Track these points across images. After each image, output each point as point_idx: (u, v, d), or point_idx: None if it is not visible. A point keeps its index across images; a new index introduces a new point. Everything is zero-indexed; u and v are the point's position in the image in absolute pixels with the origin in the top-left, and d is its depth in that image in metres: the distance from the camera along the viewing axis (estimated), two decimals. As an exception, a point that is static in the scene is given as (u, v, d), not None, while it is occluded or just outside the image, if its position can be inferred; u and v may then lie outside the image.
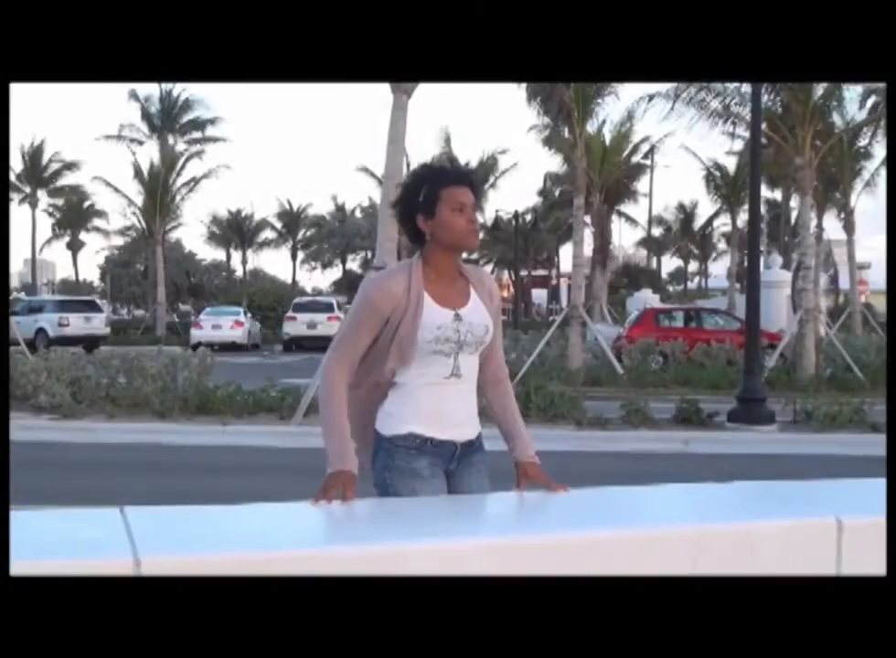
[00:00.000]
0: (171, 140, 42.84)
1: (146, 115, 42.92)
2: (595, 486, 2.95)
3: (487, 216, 43.78)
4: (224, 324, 31.90)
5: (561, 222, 47.99)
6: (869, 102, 19.75)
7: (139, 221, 41.91)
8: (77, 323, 29.54)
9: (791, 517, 2.51)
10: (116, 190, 40.16)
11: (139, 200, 39.27)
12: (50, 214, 53.89)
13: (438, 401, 2.90)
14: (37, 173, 48.06)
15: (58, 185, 51.00)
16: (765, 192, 36.32)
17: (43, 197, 50.32)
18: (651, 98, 18.12)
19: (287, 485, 8.36)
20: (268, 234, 58.93)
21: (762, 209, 31.43)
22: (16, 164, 47.09)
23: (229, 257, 59.77)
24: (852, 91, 18.59)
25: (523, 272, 55.24)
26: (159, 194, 37.21)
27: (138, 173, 38.66)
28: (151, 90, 43.29)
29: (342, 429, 2.80)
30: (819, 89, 17.41)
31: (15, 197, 46.74)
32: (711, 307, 28.87)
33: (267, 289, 46.47)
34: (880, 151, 24.78)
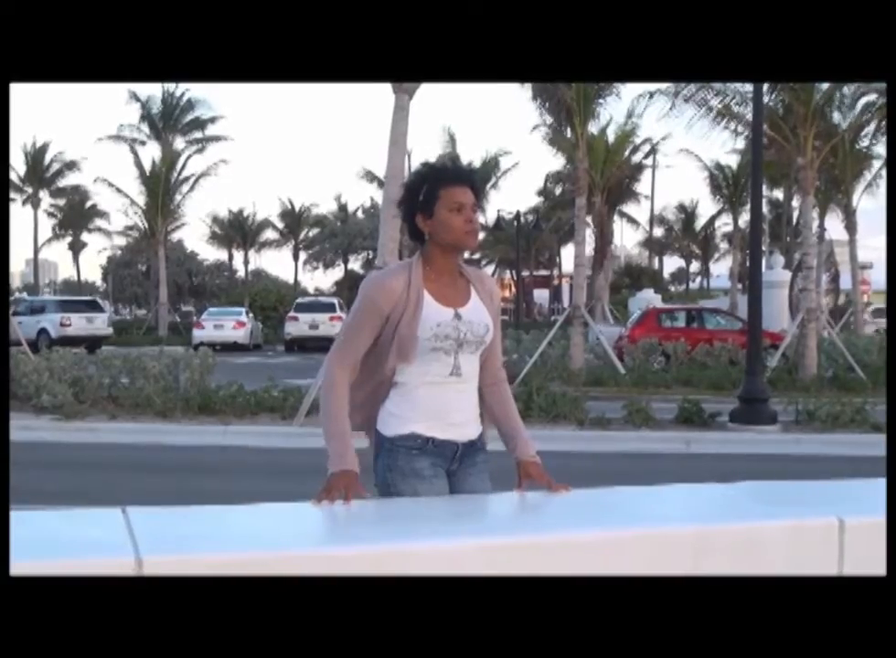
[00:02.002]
0: (172, 139, 42.81)
1: (147, 116, 42.91)
2: (597, 486, 2.94)
3: (489, 216, 43.80)
4: (226, 325, 31.91)
5: (563, 222, 47.95)
6: (862, 101, 19.68)
7: (141, 221, 41.94)
8: (79, 324, 29.55)
9: (793, 518, 2.51)
10: (118, 190, 40.17)
11: (141, 200, 39.29)
12: (52, 214, 53.93)
13: (439, 401, 2.90)
14: (39, 173, 48.14)
15: (60, 186, 51.08)
16: (767, 192, 36.34)
17: (45, 198, 50.41)
18: (651, 95, 18.09)
19: (289, 485, 8.36)
20: (270, 234, 58.96)
21: (764, 209, 31.43)
22: (19, 164, 47.20)
23: (230, 257, 59.76)
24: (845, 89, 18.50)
25: (525, 272, 55.22)
26: (161, 194, 37.19)
27: (140, 173, 38.67)
28: (152, 90, 43.32)
29: (343, 428, 2.80)
30: (821, 89, 17.39)
31: (17, 198, 46.82)
32: (713, 307, 28.85)
33: (269, 289, 46.46)
34: (881, 151, 24.74)
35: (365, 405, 2.97)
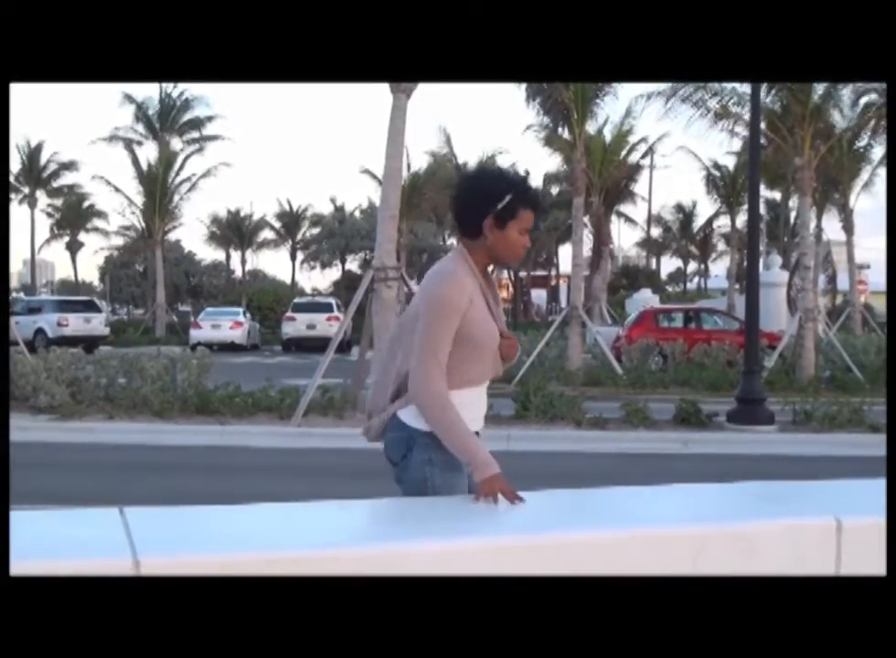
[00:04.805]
0: (170, 139, 42.74)
1: (144, 117, 42.84)
2: (595, 486, 2.95)
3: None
4: (223, 325, 31.92)
5: (561, 222, 47.95)
6: (863, 101, 19.71)
7: (138, 221, 41.91)
8: (76, 324, 29.52)
9: (790, 518, 2.51)
10: (116, 190, 40.15)
11: (138, 200, 39.26)
12: (49, 214, 53.86)
13: (476, 394, 2.96)
14: (36, 173, 48.04)
15: (57, 186, 50.97)
16: (765, 192, 36.35)
17: (42, 198, 50.30)
18: (649, 97, 18.11)
19: (286, 486, 8.38)
20: (267, 234, 58.92)
21: (762, 210, 31.44)
22: (15, 164, 47.06)
23: (228, 257, 59.72)
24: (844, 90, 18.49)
25: (522, 273, 55.21)
26: (158, 194, 37.17)
27: (137, 173, 38.65)
28: (149, 91, 43.22)
29: (474, 438, 2.81)
30: (819, 89, 17.40)
31: (13, 197, 46.69)
32: (710, 307, 28.86)
33: (266, 289, 46.41)
34: (879, 151, 24.78)
35: (383, 397, 2.98)
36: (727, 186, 40.15)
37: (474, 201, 2.93)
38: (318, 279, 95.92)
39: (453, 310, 2.81)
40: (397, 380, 2.95)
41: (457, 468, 2.87)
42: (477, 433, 3.01)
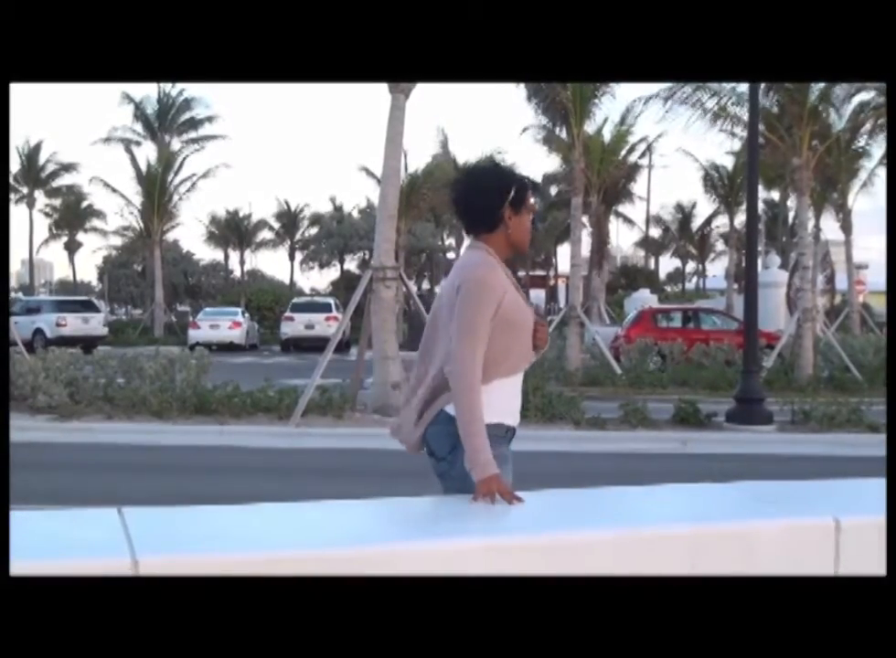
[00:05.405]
0: (168, 139, 42.72)
1: (142, 116, 42.82)
2: (594, 486, 2.95)
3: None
4: (222, 325, 31.91)
5: (559, 222, 47.94)
6: (856, 100, 19.67)
7: (137, 221, 41.88)
8: (75, 324, 29.50)
9: (789, 517, 2.52)
10: (114, 190, 40.15)
11: (137, 200, 39.24)
12: (48, 214, 53.84)
13: (516, 388, 3.01)
14: (35, 173, 48.04)
15: (56, 186, 50.96)
16: (763, 192, 36.34)
17: (40, 198, 50.30)
18: (647, 100, 18.11)
19: (285, 486, 8.38)
20: (266, 234, 58.85)
21: (760, 209, 31.45)
22: (14, 164, 47.04)
23: (226, 257, 59.64)
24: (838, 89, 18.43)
25: (521, 273, 55.20)
26: (157, 194, 37.16)
27: (136, 173, 38.65)
28: (148, 90, 43.18)
29: (484, 432, 2.80)
30: (816, 89, 17.40)
31: (11, 197, 46.66)
32: (709, 307, 28.85)
33: (265, 289, 46.39)
34: (877, 150, 24.77)
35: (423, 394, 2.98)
36: (725, 187, 40.16)
37: (487, 196, 3.03)
38: (317, 279, 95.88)
39: (491, 293, 2.89)
40: (433, 381, 2.95)
41: (504, 462, 2.87)
42: (514, 429, 3.04)
